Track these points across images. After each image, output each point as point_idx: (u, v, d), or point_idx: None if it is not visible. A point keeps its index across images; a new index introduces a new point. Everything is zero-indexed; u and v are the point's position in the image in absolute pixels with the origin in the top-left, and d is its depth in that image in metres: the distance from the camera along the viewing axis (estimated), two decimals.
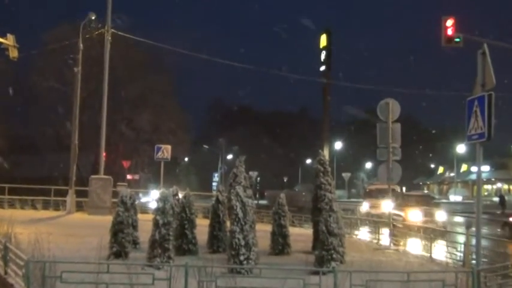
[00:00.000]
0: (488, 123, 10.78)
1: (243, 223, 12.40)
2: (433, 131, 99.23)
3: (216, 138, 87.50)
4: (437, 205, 31.44)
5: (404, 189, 66.06)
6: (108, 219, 15.07)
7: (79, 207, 31.47)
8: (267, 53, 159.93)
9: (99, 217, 26.11)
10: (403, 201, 29.35)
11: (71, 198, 30.77)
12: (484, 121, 10.84)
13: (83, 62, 32.70)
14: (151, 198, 39.83)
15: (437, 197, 67.84)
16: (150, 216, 13.63)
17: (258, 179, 71.34)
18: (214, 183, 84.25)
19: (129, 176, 51.36)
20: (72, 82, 34.73)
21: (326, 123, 41.97)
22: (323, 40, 39.48)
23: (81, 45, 32.27)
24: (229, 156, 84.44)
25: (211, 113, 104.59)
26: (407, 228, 21.03)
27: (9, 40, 29.27)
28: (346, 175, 74.34)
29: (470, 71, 12.09)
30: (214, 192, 36.93)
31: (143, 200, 41.88)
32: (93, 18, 32.95)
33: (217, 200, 16.45)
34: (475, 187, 13.93)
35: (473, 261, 12.82)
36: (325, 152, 33.92)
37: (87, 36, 34.04)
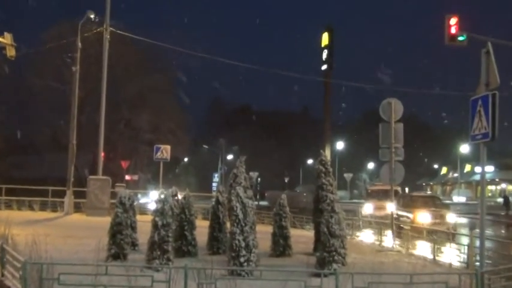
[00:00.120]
0: (492, 123, 10.78)
1: (244, 224, 12.39)
2: (436, 131, 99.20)
3: (216, 138, 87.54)
4: (447, 206, 31.07)
5: (407, 190, 66.07)
6: (107, 220, 15.06)
7: (77, 208, 31.47)
8: (267, 52, 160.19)
9: (97, 218, 26.13)
10: (410, 203, 28.98)
11: (68, 199, 30.77)
12: (488, 121, 10.84)
13: (81, 61, 32.70)
14: (151, 199, 39.85)
15: (440, 198, 67.65)
16: (149, 218, 13.62)
17: (259, 179, 71.21)
18: (214, 184, 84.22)
19: (127, 177, 51.30)
20: (70, 81, 34.75)
21: (328, 123, 41.98)
22: (325, 38, 39.48)
23: (79, 43, 32.27)
24: (230, 157, 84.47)
25: (211, 113, 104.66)
26: (415, 231, 20.83)
27: (6, 39, 29.26)
28: (348, 176, 74.30)
29: (474, 70, 12.08)
30: (214, 193, 36.91)
31: (142, 201, 41.92)
32: (91, 16, 32.96)
33: (217, 201, 16.43)
34: (479, 188, 13.95)
35: (477, 263, 12.82)
36: (327, 152, 33.92)
37: (85, 34, 34.05)
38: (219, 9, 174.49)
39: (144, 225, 15.34)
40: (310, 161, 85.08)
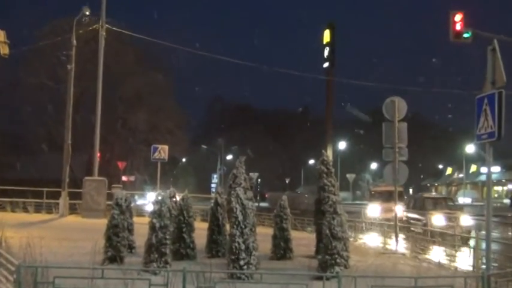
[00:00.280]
0: (499, 122, 10.78)
1: (243, 226, 12.40)
2: (441, 130, 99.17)
3: (215, 138, 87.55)
4: (460, 208, 30.69)
5: (411, 191, 66.07)
6: (103, 222, 15.07)
7: (72, 210, 31.47)
8: (267, 50, 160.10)
9: (93, 220, 26.12)
10: (422, 205, 28.64)
11: (63, 201, 30.77)
12: (494, 120, 10.83)
13: (76, 59, 32.70)
14: (148, 200, 39.85)
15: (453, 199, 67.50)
16: (146, 220, 13.64)
17: (259, 180, 71.18)
18: (213, 185, 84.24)
19: (124, 178, 51.30)
20: (65, 80, 34.76)
21: (329, 123, 41.86)
22: (326, 36, 39.37)
23: (74, 41, 32.27)
24: (229, 157, 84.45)
25: (210, 112, 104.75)
26: (427, 234, 20.48)
27: None
28: (350, 176, 74.28)
29: (479, 68, 12.08)
30: (213, 194, 36.93)
31: (139, 202, 41.92)
32: (87, 13, 32.95)
33: (216, 203, 16.43)
34: (485, 189, 13.90)
35: (483, 266, 12.82)
36: (329, 152, 33.75)
37: (80, 32, 34.07)
38: (218, 7, 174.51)
39: (141, 227, 15.35)
40: (311, 161, 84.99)
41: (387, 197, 32.41)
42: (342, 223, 13.35)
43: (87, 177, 31.70)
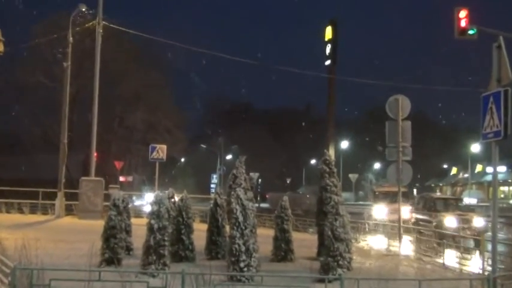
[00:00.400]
0: (505, 121, 10.77)
1: (244, 228, 12.39)
2: (446, 129, 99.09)
3: (215, 137, 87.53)
4: (472, 209, 30.33)
5: (415, 191, 65.99)
6: (100, 223, 15.07)
7: (69, 211, 31.48)
8: (268, 47, 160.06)
9: (90, 221, 26.12)
10: (432, 206, 28.40)
11: (60, 202, 30.78)
12: (500, 118, 10.82)
13: (72, 57, 32.73)
14: (146, 201, 39.82)
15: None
16: (145, 221, 13.63)
17: (259, 180, 71.22)
18: (212, 185, 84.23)
19: (121, 178, 51.32)
20: (61, 78, 34.74)
21: (331, 121, 41.88)
22: (328, 32, 39.39)
23: (70, 38, 32.28)
24: (229, 157, 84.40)
25: (209, 111, 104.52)
26: (438, 236, 20.29)
27: None
28: (353, 176, 74.19)
29: (485, 65, 12.08)
30: (212, 195, 36.91)
31: (137, 203, 41.85)
32: (83, 9, 32.96)
33: (216, 203, 16.43)
34: (491, 189, 13.86)
35: (489, 268, 12.81)
36: (331, 152, 33.80)
37: (77, 29, 34.07)
38: (218, 5, 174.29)
39: (139, 228, 15.35)
40: (313, 161, 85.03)
41: (392, 198, 32.16)
42: (344, 224, 13.36)
43: (83, 178, 31.70)
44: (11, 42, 32.28)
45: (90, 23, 33.26)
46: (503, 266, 13.84)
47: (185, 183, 71.44)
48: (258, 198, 61.43)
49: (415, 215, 29.09)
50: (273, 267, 14.51)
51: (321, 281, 10.62)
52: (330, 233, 13.07)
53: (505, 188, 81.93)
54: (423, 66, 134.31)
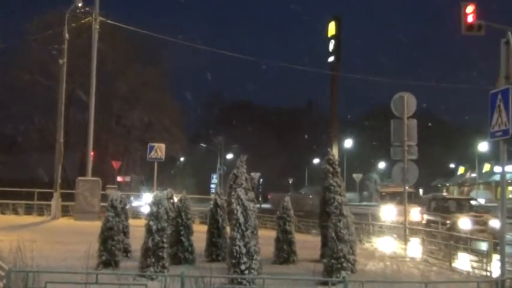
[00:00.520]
0: None
1: (244, 229, 12.39)
2: (453, 128, 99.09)
3: (215, 136, 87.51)
4: (487, 211, 29.77)
5: (421, 191, 65.96)
6: (97, 225, 15.08)
7: (65, 211, 31.49)
8: (269, 44, 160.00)
9: (86, 223, 26.12)
10: (444, 207, 28.02)
11: (56, 202, 30.78)
12: (509, 116, 10.81)
13: (68, 54, 32.70)
14: (144, 202, 39.84)
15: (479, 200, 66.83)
16: (143, 222, 13.63)
17: (261, 180, 71.31)
18: (212, 186, 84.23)
19: (119, 178, 51.39)
20: (57, 75, 34.73)
21: (335, 120, 41.86)
22: (331, 28, 39.36)
23: (66, 34, 32.28)
24: (229, 156, 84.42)
25: (209, 109, 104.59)
26: (452, 239, 20.07)
27: None
28: (357, 176, 74.33)
29: (493, 62, 12.08)
30: (212, 195, 36.91)
31: (135, 204, 41.88)
32: (79, 5, 32.94)
33: (216, 204, 16.42)
34: (499, 189, 13.89)
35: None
36: (334, 151, 33.76)
37: (73, 25, 34.04)
38: (216, 2, 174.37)
39: (137, 230, 15.34)
40: (316, 161, 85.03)
41: (401, 199, 31.85)
42: (348, 225, 13.35)
43: (80, 178, 31.70)
44: (5, 39, 32.44)
45: (87, 19, 33.25)
46: (511, 269, 13.82)
47: (184, 183, 71.47)
48: (260, 199, 61.54)
49: (426, 217, 28.81)
50: (275, 269, 14.50)
51: (324, 283, 10.63)
52: (333, 234, 13.07)
53: None
54: (429, 63, 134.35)
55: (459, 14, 23.74)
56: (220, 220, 16.20)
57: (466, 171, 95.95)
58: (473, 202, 30.25)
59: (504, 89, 11.04)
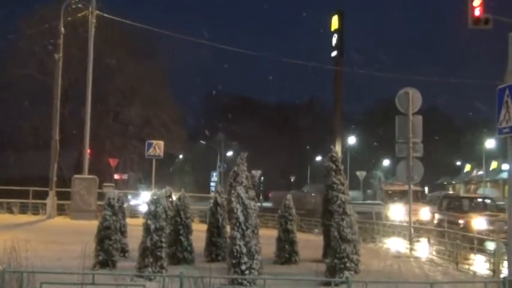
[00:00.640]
0: None
1: (245, 228, 12.39)
2: (459, 124, 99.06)
3: (215, 133, 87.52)
4: (502, 210, 29.11)
5: (426, 189, 65.89)
6: (94, 224, 15.08)
7: (61, 210, 31.50)
8: (270, 38, 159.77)
9: (83, 222, 26.13)
10: (457, 206, 27.54)
11: (51, 201, 30.79)
12: None
13: (64, 48, 32.69)
14: (142, 200, 39.89)
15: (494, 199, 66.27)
16: (141, 221, 13.64)
17: (262, 178, 71.27)
18: (212, 184, 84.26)
19: (116, 176, 51.37)
20: (52, 71, 34.72)
21: (338, 116, 41.82)
22: (334, 22, 39.31)
23: (62, 28, 32.25)
24: (229, 153, 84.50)
25: (209, 105, 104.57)
26: (466, 240, 19.81)
27: None
28: (361, 174, 74.20)
29: (501, 57, 12.05)
30: (212, 194, 36.90)
31: (133, 202, 41.93)
32: None
33: (216, 202, 16.42)
34: (507, 187, 13.83)
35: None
36: (338, 148, 33.73)
37: (69, 19, 34.00)
38: None
39: (135, 229, 15.35)
40: (318, 158, 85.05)
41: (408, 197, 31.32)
42: (351, 224, 13.33)
43: (76, 176, 31.72)
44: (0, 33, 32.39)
45: (83, 13, 33.23)
46: None
47: (183, 181, 71.61)
48: (261, 197, 61.54)
49: (437, 216, 28.50)
50: (276, 269, 14.51)
51: (327, 284, 10.62)
52: (336, 233, 13.05)
53: None
54: (435, 58, 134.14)
55: (466, 7, 23.73)
56: (220, 219, 16.20)
57: (472, 168, 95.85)
58: (488, 201, 29.52)
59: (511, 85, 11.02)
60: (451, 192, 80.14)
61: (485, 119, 71.62)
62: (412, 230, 21.23)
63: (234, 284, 11.31)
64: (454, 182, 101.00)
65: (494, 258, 14.79)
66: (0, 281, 9.16)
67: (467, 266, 16.19)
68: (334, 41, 39.08)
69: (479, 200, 30.20)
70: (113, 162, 46.76)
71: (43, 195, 31.97)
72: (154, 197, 12.98)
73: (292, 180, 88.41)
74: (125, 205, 17.42)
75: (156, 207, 12.69)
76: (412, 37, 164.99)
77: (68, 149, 43.25)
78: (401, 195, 34.15)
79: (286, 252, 15.89)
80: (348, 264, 12.86)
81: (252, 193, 14.97)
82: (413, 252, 19.10)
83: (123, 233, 15.82)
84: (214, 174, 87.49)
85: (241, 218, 12.40)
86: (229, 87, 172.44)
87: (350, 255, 12.98)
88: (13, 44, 46.09)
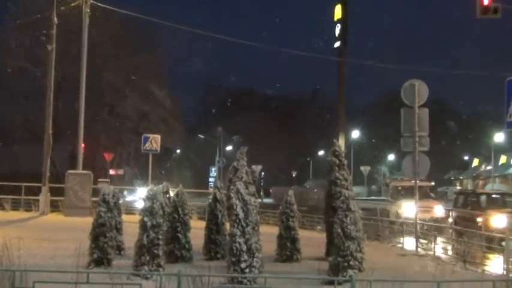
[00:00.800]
0: None
1: (245, 225, 12.39)
2: (467, 118, 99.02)
3: (214, 126, 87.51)
4: None
5: (432, 184, 65.86)
6: (88, 221, 15.10)
7: (54, 207, 31.48)
8: (271, 28, 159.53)
9: (77, 219, 26.14)
10: (474, 203, 26.73)
11: (44, 197, 30.78)
12: None
13: (57, 39, 32.60)
14: (138, 196, 39.90)
15: None
16: (137, 218, 13.65)
17: (262, 173, 71.36)
18: (211, 179, 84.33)
19: (111, 171, 51.34)
20: (45, 62, 34.67)
21: (341, 109, 41.84)
22: (338, 11, 39.30)
23: (55, 18, 32.18)
24: (229, 148, 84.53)
25: (208, 98, 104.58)
26: (486, 239, 19.04)
27: None
28: (365, 169, 74.25)
29: (510, 48, 12.02)
30: (211, 190, 36.93)
31: (128, 198, 41.97)
32: None
33: (215, 199, 16.45)
34: None
35: None
36: (341, 142, 33.77)
37: (62, 8, 33.93)
38: None
39: (130, 226, 15.37)
40: (321, 153, 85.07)
41: (419, 194, 30.56)
42: (355, 221, 13.33)
43: (70, 171, 31.70)
44: None
45: (77, 2, 33.16)
46: None
47: (181, 176, 71.66)
48: (261, 193, 61.49)
49: (453, 213, 28.12)
50: (278, 268, 14.52)
51: (330, 282, 10.63)
52: (339, 230, 13.06)
53: None
54: (442, 49, 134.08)
55: None
56: (219, 216, 16.22)
57: (480, 163, 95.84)
58: (507, 198, 28.66)
59: None
60: (458, 187, 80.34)
61: (493, 112, 71.50)
62: (425, 227, 21.21)
63: (233, 283, 11.31)
64: (461, 178, 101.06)
65: (504, 256, 14.80)
66: None
67: (476, 265, 16.18)
68: (337, 31, 39.07)
69: (499, 196, 29.32)
70: (108, 156, 46.75)
71: (36, 191, 31.95)
72: (151, 193, 12.97)
73: (293, 175, 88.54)
74: (120, 201, 17.42)
75: (152, 203, 12.69)
76: (418, 28, 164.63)
77: (62, 143, 43.25)
78: (408, 191, 33.86)
79: (288, 250, 15.90)
80: (351, 263, 12.87)
81: (252, 189, 14.92)
82: (420, 250, 19.10)
83: (118, 230, 15.82)
84: (213, 169, 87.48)
85: (241, 215, 12.40)
86: (229, 80, 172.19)
87: (354, 253, 12.99)
88: (4, 35, 45.98)
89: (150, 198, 12.80)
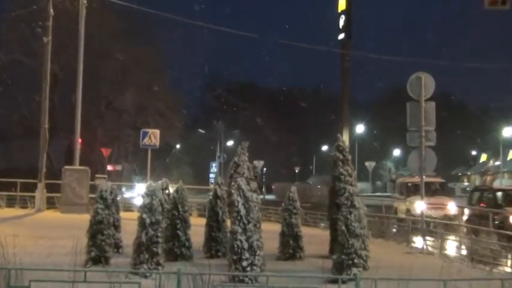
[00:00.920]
0: None
1: (246, 222, 12.39)
2: (475, 112, 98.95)
3: (215, 121, 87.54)
4: None
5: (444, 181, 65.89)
6: (85, 218, 15.09)
7: (50, 204, 31.54)
8: (272, 20, 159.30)
9: (74, 216, 26.16)
10: (492, 200, 26.03)
11: (40, 194, 30.82)
12: None
13: (53, 31, 32.60)
14: (137, 193, 39.95)
15: None
16: (135, 215, 13.64)
17: (264, 169, 71.39)
18: (211, 175, 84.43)
19: (109, 167, 51.43)
20: (41, 55, 34.69)
21: (346, 103, 41.82)
22: (342, 3, 39.26)
23: (51, 10, 32.18)
24: (230, 143, 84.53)
25: (208, 92, 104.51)
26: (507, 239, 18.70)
27: None
28: (370, 164, 74.32)
29: None
30: (211, 186, 36.94)
31: (127, 195, 41.99)
32: None
33: (216, 195, 16.44)
34: None
35: None
36: (345, 137, 33.79)
37: None
38: None
39: (129, 223, 15.36)
40: (325, 148, 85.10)
41: (432, 190, 30.46)
42: (360, 218, 13.33)
43: (67, 167, 31.72)
44: None
45: None
46: None
47: (181, 172, 71.66)
48: (263, 189, 61.60)
49: (467, 211, 27.94)
50: (280, 266, 14.51)
51: (334, 281, 10.61)
52: (343, 227, 13.05)
53: None
54: (449, 41, 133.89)
55: None
56: (220, 212, 16.21)
57: (488, 158, 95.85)
58: None
59: None
60: (466, 183, 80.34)
61: (502, 106, 71.56)
62: (433, 225, 21.21)
63: (234, 281, 11.32)
64: (469, 173, 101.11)
65: None
66: None
67: (484, 263, 16.17)
68: (341, 22, 39.02)
69: None
70: (105, 152, 46.80)
71: (31, 188, 32.00)
72: (150, 189, 12.98)
73: (296, 171, 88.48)
74: (118, 198, 17.40)
75: (151, 200, 12.70)
76: (425, 19, 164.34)
77: (58, 138, 43.30)
78: (418, 188, 33.52)
79: (290, 247, 15.90)
80: (356, 261, 12.87)
81: (253, 185, 14.92)
82: (429, 248, 19.11)
83: (116, 227, 15.80)
84: (214, 165, 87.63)
85: (243, 212, 12.40)
86: (230, 73, 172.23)
87: (358, 251, 12.98)
88: None
89: (149, 194, 12.80)
